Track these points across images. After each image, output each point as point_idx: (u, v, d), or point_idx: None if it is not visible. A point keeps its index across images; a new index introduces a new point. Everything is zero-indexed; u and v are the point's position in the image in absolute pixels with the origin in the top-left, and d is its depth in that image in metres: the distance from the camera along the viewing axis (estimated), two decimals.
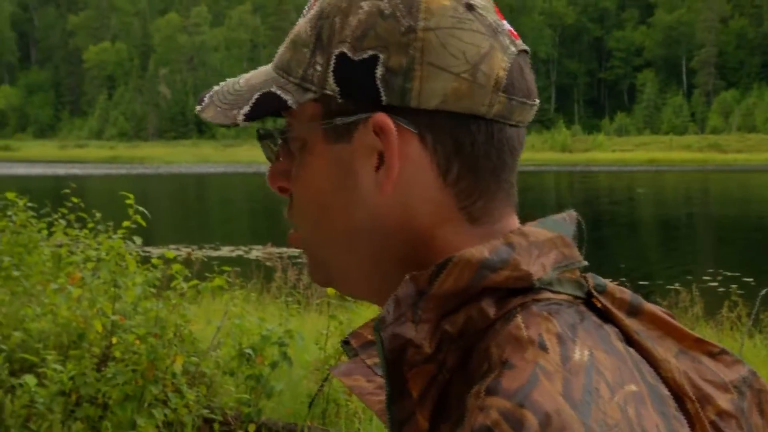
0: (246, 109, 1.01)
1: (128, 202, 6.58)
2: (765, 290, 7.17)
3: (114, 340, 6.20)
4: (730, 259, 22.51)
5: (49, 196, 9.96)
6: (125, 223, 6.68)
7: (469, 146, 0.95)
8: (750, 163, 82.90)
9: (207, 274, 7.05)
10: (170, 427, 6.01)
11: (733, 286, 11.71)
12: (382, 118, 0.94)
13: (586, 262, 0.97)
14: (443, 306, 0.90)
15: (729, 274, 17.57)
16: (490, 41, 0.96)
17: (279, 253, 14.46)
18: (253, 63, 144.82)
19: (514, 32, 1.00)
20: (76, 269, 7.19)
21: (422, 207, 0.96)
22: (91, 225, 7.78)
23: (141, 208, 6.58)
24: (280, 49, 1.03)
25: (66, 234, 8.10)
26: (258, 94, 1.01)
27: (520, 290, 0.91)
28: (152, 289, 6.69)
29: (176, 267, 6.53)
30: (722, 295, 12.42)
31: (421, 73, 0.93)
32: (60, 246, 8.06)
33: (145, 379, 5.91)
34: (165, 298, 6.50)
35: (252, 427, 6.12)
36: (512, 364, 0.83)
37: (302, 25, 1.01)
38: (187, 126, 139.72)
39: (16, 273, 7.35)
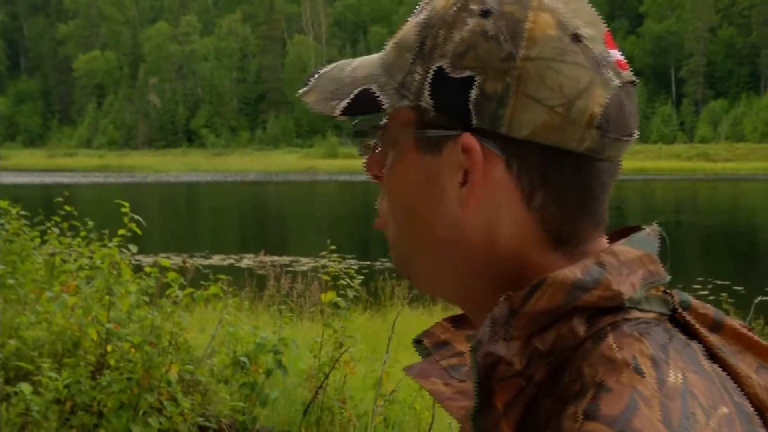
0: (344, 103, 1.01)
1: (123, 210, 6.58)
2: (759, 298, 7.19)
3: (109, 348, 6.20)
4: (720, 268, 22.56)
5: (40, 204, 9.95)
6: (120, 231, 6.69)
7: (554, 179, 0.95)
8: (738, 172, 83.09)
9: (201, 283, 7.06)
10: None
11: (724, 294, 11.75)
12: (470, 139, 0.95)
13: (669, 277, 0.98)
14: (534, 324, 0.92)
15: (719, 282, 17.62)
16: (591, 75, 0.94)
17: (271, 261, 14.46)
18: (243, 72, 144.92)
19: (623, 62, 0.98)
20: (70, 277, 7.18)
21: (507, 228, 0.97)
22: (83, 233, 7.77)
23: (137, 216, 6.59)
24: (388, 45, 1.04)
25: (59, 242, 8.10)
26: (358, 89, 1.01)
27: (610, 309, 0.92)
28: (146, 298, 6.70)
29: (171, 275, 6.54)
30: (713, 303, 12.34)
31: (515, 102, 0.93)
32: (53, 254, 8.06)
33: (140, 387, 5.91)
34: (159, 307, 6.50)
35: None
36: (608, 388, 0.85)
37: (409, 28, 1.01)
38: (177, 135, 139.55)
39: (10, 281, 7.34)
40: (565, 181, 0.95)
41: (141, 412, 5.92)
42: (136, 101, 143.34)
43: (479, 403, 0.92)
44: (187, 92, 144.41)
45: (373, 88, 1.00)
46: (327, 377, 6.63)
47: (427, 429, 6.17)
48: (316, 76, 1.07)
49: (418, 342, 1.12)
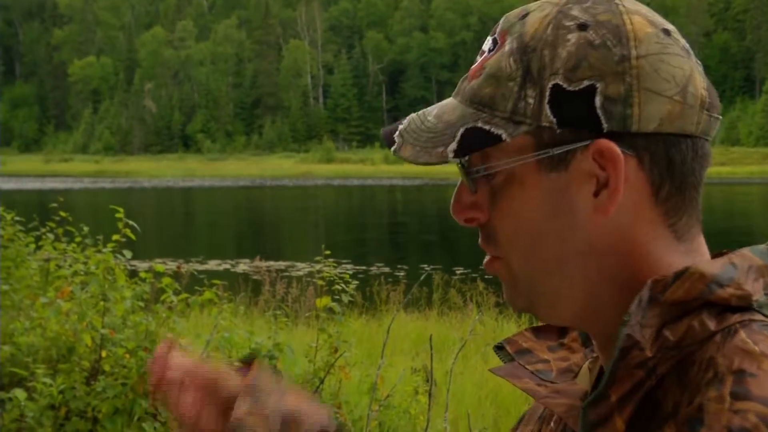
0: (453, 146, 1.02)
1: (118, 215, 6.57)
2: None
3: (103, 353, 6.19)
4: None
5: (35, 210, 9.94)
6: (115, 237, 6.67)
7: (680, 164, 1.01)
8: (734, 176, 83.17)
9: (196, 288, 7.06)
10: None
11: None
12: (607, 144, 0.98)
13: None
14: (667, 314, 0.96)
15: None
16: (689, 63, 1.02)
17: (267, 266, 14.46)
18: (239, 77, 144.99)
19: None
20: (65, 283, 7.18)
21: (636, 226, 1.01)
22: (78, 239, 7.76)
23: (131, 222, 6.58)
24: (472, 84, 1.05)
25: (54, 248, 8.08)
26: (462, 129, 1.02)
27: (737, 308, 0.96)
28: (141, 303, 6.69)
29: (166, 281, 6.53)
30: None
31: (639, 98, 0.98)
32: (48, 260, 8.04)
33: (134, 392, 5.91)
34: (154, 312, 6.49)
35: None
36: (753, 373, 0.89)
37: (499, 59, 1.03)
38: (173, 140, 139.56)
39: (5, 287, 7.33)
40: (687, 164, 1.01)
41: (136, 418, 5.91)
42: (132, 106, 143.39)
43: (601, 389, 0.95)
44: (182, 97, 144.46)
45: (480, 124, 1.02)
46: (322, 382, 6.63)
47: None
48: (395, 133, 1.08)
49: (499, 348, 1.16)
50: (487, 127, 1.01)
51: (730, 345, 0.92)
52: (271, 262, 17.96)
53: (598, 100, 0.98)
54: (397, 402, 6.76)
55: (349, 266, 18.74)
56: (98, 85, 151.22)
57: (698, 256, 1.02)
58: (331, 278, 7.40)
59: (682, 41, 1.03)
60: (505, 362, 1.14)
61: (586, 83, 0.98)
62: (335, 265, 7.80)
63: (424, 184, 70.23)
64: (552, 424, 1.15)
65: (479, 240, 1.09)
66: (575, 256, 1.02)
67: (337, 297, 7.06)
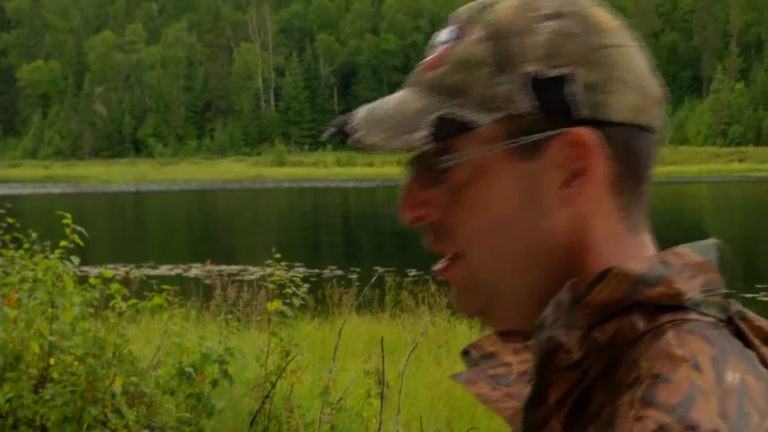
0: (423, 132, 0.98)
1: (65, 221, 6.51)
2: None
3: (52, 361, 6.13)
4: None
5: None
6: (62, 243, 6.61)
7: (641, 158, 1.00)
8: (683, 175, 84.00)
9: (146, 293, 7.00)
10: None
11: None
12: (584, 131, 0.97)
13: (727, 290, 0.99)
14: (595, 315, 0.93)
15: None
16: (645, 58, 1.03)
17: (218, 270, 14.39)
18: (190, 80, 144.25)
19: None
20: (12, 290, 7.09)
21: (597, 219, 0.99)
22: (27, 245, 7.68)
23: (79, 228, 6.52)
24: (435, 73, 1.02)
25: (1, 255, 7.98)
26: (432, 116, 0.99)
27: (669, 308, 0.94)
28: (90, 309, 6.63)
29: (114, 287, 6.48)
30: None
31: (614, 87, 0.98)
32: None
33: (84, 400, 5.85)
34: (103, 318, 6.44)
35: None
36: (667, 378, 0.86)
37: (468, 47, 1.00)
38: (124, 144, 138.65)
39: None
40: (645, 157, 1.01)
41: (85, 426, 5.86)
42: (82, 111, 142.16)
43: (533, 393, 0.94)
44: (133, 101, 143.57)
45: (451, 111, 0.99)
46: (274, 386, 6.61)
47: None
48: (352, 123, 1.02)
49: (465, 353, 1.14)
50: (458, 115, 0.98)
51: (655, 347, 0.90)
52: (223, 266, 17.86)
53: (573, 87, 0.97)
54: (350, 405, 6.75)
55: (301, 269, 18.72)
56: (47, 90, 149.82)
57: (646, 250, 1.01)
58: (282, 282, 7.39)
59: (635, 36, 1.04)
60: (469, 367, 1.12)
61: (561, 70, 0.97)
62: (287, 268, 7.77)
63: (377, 186, 70.28)
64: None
65: (428, 242, 1.05)
66: (539, 250, 0.99)
67: (288, 300, 7.05)
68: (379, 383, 7.29)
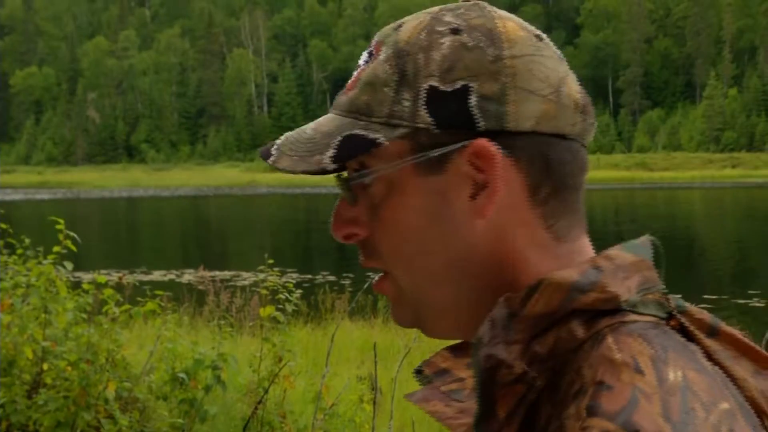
0: (330, 152, 1.01)
1: (58, 227, 6.52)
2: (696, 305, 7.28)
3: (45, 366, 6.14)
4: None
5: None
6: (55, 248, 6.61)
7: (557, 165, 0.99)
8: (676, 181, 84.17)
9: (139, 299, 7.01)
10: None
11: None
12: (484, 143, 0.97)
13: (664, 286, 1.00)
14: (534, 327, 0.94)
15: None
16: (563, 67, 1.02)
17: (211, 276, 14.40)
18: (183, 86, 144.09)
19: None
20: (5, 295, 7.10)
21: (516, 229, 0.99)
22: (20, 251, 7.68)
23: (71, 233, 6.52)
24: (349, 95, 1.04)
25: None
26: (339, 137, 1.01)
27: (607, 312, 0.94)
28: (84, 315, 6.63)
29: (108, 292, 6.48)
30: None
31: (515, 97, 0.98)
32: None
33: (77, 405, 5.86)
34: (96, 324, 6.44)
35: None
36: (609, 386, 0.87)
37: (375, 67, 1.03)
38: (117, 150, 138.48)
39: None
40: (564, 166, 1.00)
41: (78, 431, 5.86)
42: (75, 117, 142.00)
43: (482, 408, 0.94)
44: (126, 107, 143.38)
45: (357, 130, 1.01)
46: (266, 392, 6.62)
47: None
48: (274, 147, 1.06)
49: (419, 372, 1.13)
50: (363, 133, 1.00)
51: (596, 354, 0.90)
52: (216, 272, 17.87)
53: (473, 100, 0.97)
54: (342, 411, 6.76)
55: (294, 275, 18.73)
56: (40, 96, 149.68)
57: (580, 256, 0.99)
58: (275, 287, 7.40)
59: (555, 48, 1.03)
60: (423, 385, 1.12)
61: (460, 83, 0.97)
62: (280, 274, 7.79)
63: None
64: None
65: (360, 259, 1.07)
66: (458, 262, 1.00)
67: (281, 306, 7.06)
68: (372, 389, 7.31)
